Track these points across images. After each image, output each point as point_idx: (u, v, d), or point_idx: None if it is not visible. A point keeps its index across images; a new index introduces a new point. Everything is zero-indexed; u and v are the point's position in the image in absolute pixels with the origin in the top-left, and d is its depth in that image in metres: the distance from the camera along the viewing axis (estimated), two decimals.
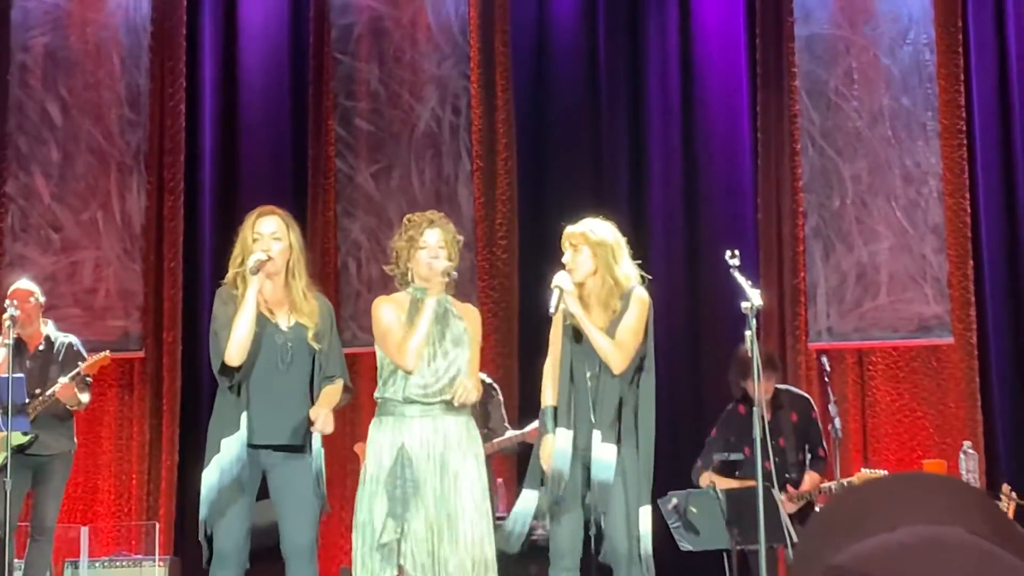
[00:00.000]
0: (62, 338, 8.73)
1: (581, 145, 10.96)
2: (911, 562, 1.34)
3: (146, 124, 10.72)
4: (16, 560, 8.26)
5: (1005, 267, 10.84)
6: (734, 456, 8.27)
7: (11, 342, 8.05)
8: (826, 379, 8.79)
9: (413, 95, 10.86)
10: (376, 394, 6.48)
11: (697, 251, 10.73)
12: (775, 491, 7.60)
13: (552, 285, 6.48)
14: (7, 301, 8.20)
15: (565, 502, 6.44)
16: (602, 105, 10.96)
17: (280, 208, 6.48)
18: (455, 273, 6.47)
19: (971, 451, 8.76)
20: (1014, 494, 8.75)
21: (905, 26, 10.86)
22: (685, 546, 7.96)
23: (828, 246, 10.71)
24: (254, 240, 6.27)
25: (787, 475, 8.42)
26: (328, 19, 10.89)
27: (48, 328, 8.72)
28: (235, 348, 6.10)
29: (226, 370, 6.13)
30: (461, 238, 6.65)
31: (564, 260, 6.60)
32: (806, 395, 8.89)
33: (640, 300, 6.53)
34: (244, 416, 6.12)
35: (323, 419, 6.22)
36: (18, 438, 8.13)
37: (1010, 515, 8.37)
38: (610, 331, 6.47)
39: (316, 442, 6.26)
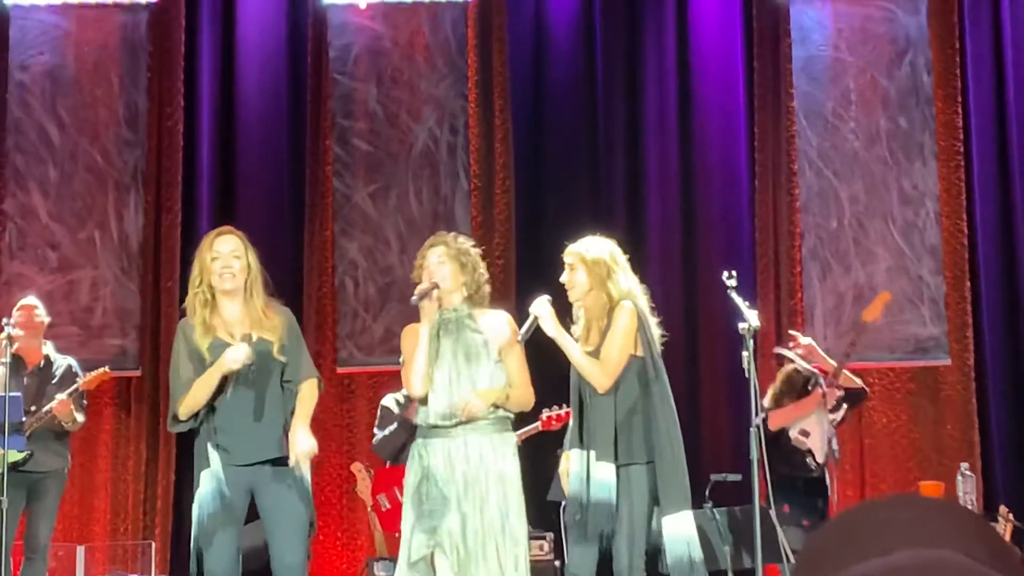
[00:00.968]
0: (61, 359, 8.73)
1: (578, 165, 10.96)
2: None
3: (144, 143, 10.73)
4: None
5: (1002, 289, 10.85)
6: (731, 478, 8.25)
7: (8, 360, 8.05)
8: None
9: (411, 115, 10.87)
10: (414, 419, 6.58)
11: (694, 272, 10.73)
12: (772, 512, 7.59)
13: (529, 310, 6.51)
14: (4, 319, 8.20)
15: (581, 524, 6.46)
16: (600, 126, 10.97)
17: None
18: (434, 291, 6.43)
19: (968, 473, 8.75)
20: (1011, 516, 8.75)
21: (902, 48, 10.88)
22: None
23: (825, 267, 10.71)
24: (213, 259, 6.28)
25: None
26: (326, 39, 10.90)
27: (48, 348, 8.73)
28: (186, 409, 6.17)
29: (177, 423, 6.18)
30: (474, 249, 6.64)
31: (563, 279, 6.64)
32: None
33: (623, 312, 6.54)
34: (210, 447, 6.14)
35: (304, 441, 6.22)
36: (13, 455, 8.12)
37: (1007, 537, 8.36)
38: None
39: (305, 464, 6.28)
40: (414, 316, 6.57)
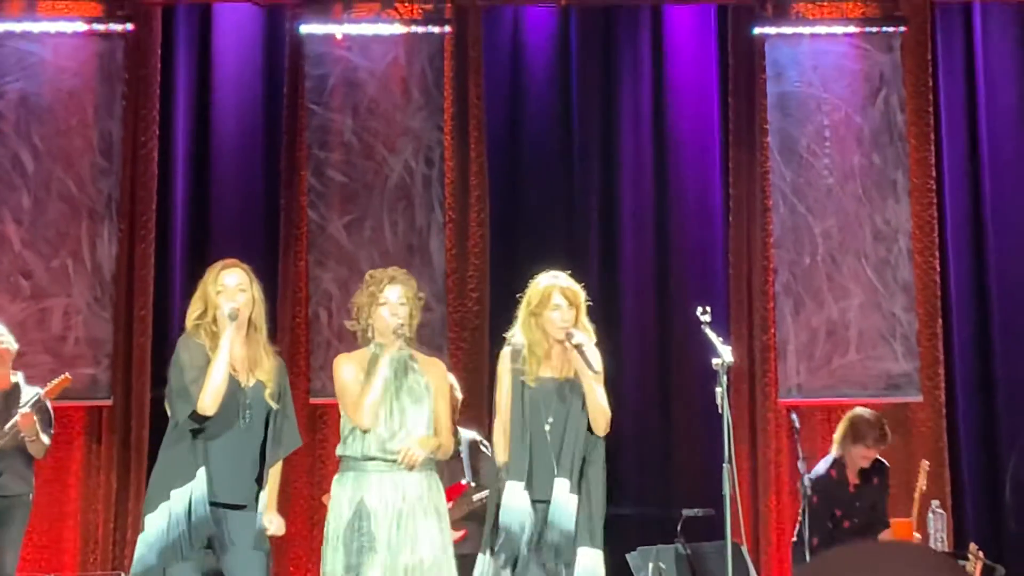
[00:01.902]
0: (29, 389, 8.71)
1: (553, 199, 10.98)
2: None
3: (118, 172, 10.70)
4: None
5: (974, 326, 10.89)
6: (703, 513, 8.25)
7: None
8: (796, 436, 8.79)
9: (386, 146, 10.87)
10: (338, 451, 6.57)
11: (668, 306, 10.75)
12: (743, 548, 7.59)
13: (575, 342, 6.52)
14: None
15: (524, 557, 6.44)
16: (575, 160, 10.99)
17: (244, 262, 6.50)
18: (405, 330, 6.49)
19: (939, 511, 8.77)
20: (981, 553, 8.77)
21: (876, 85, 10.93)
22: None
23: (798, 303, 10.74)
24: (218, 292, 6.28)
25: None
26: (302, 69, 10.90)
27: (18, 377, 8.69)
28: (211, 397, 6.11)
29: (197, 417, 6.12)
30: (423, 295, 6.72)
31: (562, 316, 6.61)
32: (886, 462, 8.89)
33: (600, 362, 6.62)
34: (202, 471, 6.09)
35: (276, 525, 6.37)
36: None
37: (977, 575, 8.38)
38: (575, 387, 6.52)
39: (262, 500, 6.26)
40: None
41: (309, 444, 10.53)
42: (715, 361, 6.74)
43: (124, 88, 10.79)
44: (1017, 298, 10.91)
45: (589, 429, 6.55)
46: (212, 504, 6.13)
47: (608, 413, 6.57)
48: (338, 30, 10.89)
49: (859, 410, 8.78)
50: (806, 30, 11.00)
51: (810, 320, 10.71)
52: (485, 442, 8.65)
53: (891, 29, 11.00)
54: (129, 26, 10.78)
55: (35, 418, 8.32)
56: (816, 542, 8.51)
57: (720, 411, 6.69)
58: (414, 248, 10.69)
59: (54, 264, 10.60)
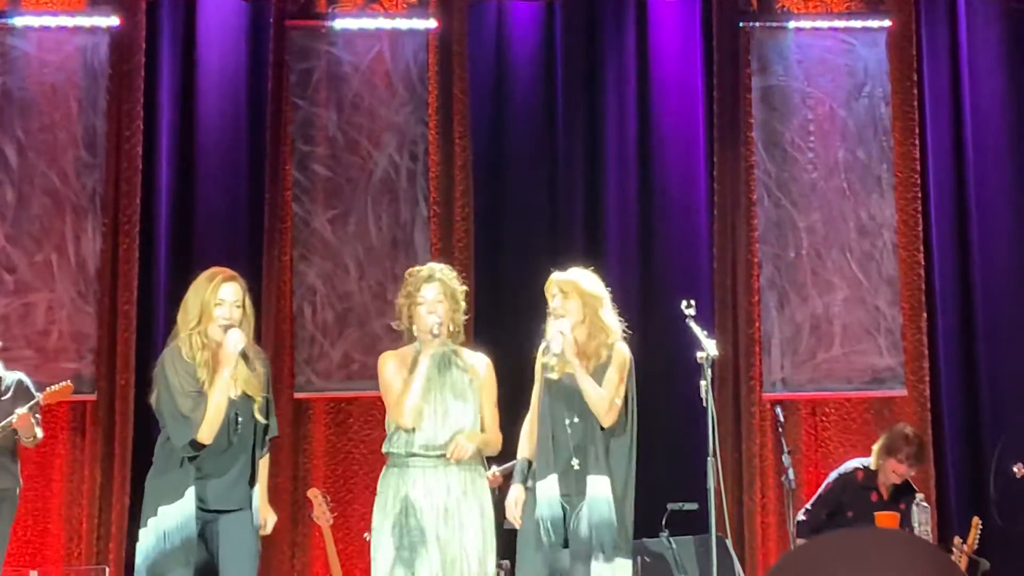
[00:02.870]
0: (10, 376, 8.70)
1: (538, 193, 10.97)
2: None
3: (102, 166, 10.66)
4: None
5: (958, 320, 10.91)
6: (688, 507, 8.26)
7: None
8: (780, 429, 8.81)
9: (371, 141, 10.85)
10: (384, 448, 6.58)
11: (653, 300, 10.74)
12: (728, 541, 7.60)
13: (557, 331, 6.53)
14: None
15: (546, 549, 6.48)
16: (559, 154, 10.98)
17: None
18: (442, 329, 6.48)
19: (924, 504, 8.77)
20: (965, 547, 8.79)
21: (861, 79, 10.94)
22: None
23: (783, 297, 10.75)
24: (217, 305, 6.26)
25: None
26: (287, 64, 10.88)
27: None
28: (210, 429, 6.13)
29: (196, 445, 6.12)
30: (464, 287, 6.67)
31: (555, 306, 6.63)
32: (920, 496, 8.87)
33: (621, 356, 6.61)
34: (191, 491, 6.10)
35: (270, 524, 6.47)
36: None
37: (962, 568, 8.40)
38: (595, 379, 6.53)
39: (255, 498, 6.27)
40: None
41: (292, 440, 10.52)
42: (699, 355, 6.76)
43: (108, 82, 10.76)
44: (1001, 292, 10.93)
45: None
46: (206, 511, 6.15)
47: (603, 402, 6.54)
48: (323, 24, 10.87)
49: (902, 424, 8.81)
50: (791, 24, 11.01)
51: (794, 314, 10.72)
52: None
53: (876, 23, 11.02)
54: (113, 20, 10.75)
55: (31, 420, 8.34)
56: (804, 519, 8.56)
57: (704, 404, 6.72)
58: (398, 242, 10.68)
59: (38, 259, 10.57)
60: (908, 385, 10.65)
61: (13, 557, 9.48)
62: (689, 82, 11.12)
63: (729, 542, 7.97)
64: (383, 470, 6.59)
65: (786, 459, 8.51)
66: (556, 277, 6.72)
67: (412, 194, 10.79)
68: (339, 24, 10.90)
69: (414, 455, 6.43)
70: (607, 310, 6.69)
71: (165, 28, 11.00)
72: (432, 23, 10.91)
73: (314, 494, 9.42)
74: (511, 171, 11.06)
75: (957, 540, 8.95)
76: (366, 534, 9.30)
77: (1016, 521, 9.96)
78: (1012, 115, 11.17)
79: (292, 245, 10.72)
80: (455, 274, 6.73)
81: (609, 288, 6.85)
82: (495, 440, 6.66)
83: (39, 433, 8.49)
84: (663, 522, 8.36)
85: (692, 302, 6.93)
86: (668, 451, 10.26)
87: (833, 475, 8.57)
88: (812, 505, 8.77)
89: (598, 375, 6.57)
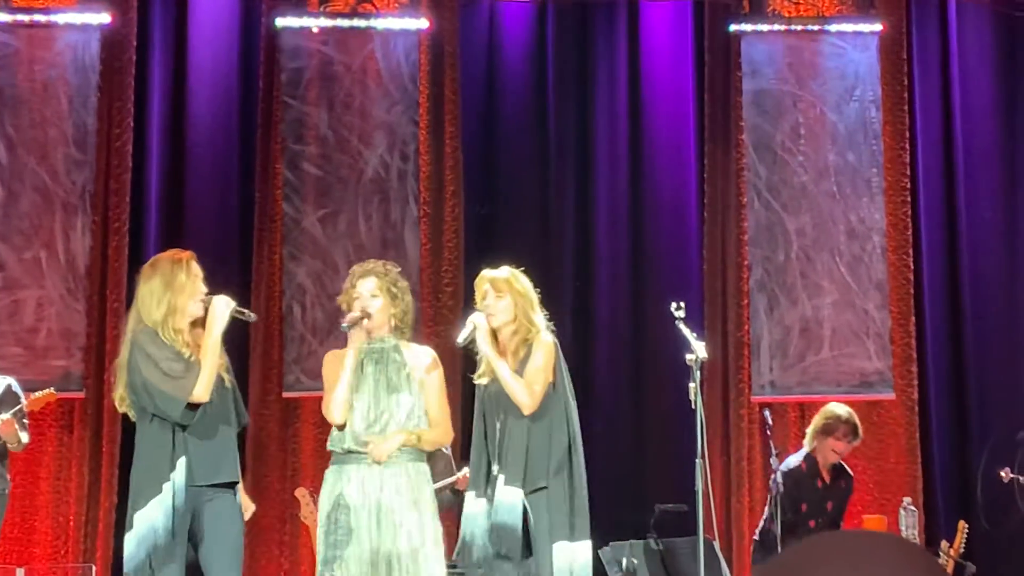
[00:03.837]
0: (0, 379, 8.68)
1: (528, 193, 10.99)
2: None
3: (92, 164, 10.65)
4: None
5: (947, 324, 10.93)
6: (677, 508, 8.26)
7: None
8: (768, 432, 8.81)
9: (362, 140, 10.85)
10: (328, 446, 6.55)
11: (642, 302, 10.75)
12: (716, 544, 7.60)
13: (470, 321, 6.55)
14: None
15: (487, 565, 6.46)
16: (550, 155, 10.99)
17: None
18: (365, 323, 6.47)
19: (911, 507, 8.80)
20: (952, 551, 8.80)
21: (852, 83, 10.96)
22: None
23: (772, 300, 10.76)
24: (193, 281, 6.29)
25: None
26: (278, 63, 10.88)
27: None
28: (207, 384, 6.11)
29: (193, 406, 6.11)
30: (404, 281, 6.64)
31: (487, 303, 6.62)
32: (851, 471, 8.91)
33: (545, 344, 6.56)
34: (183, 461, 6.08)
35: (248, 506, 6.44)
36: None
37: (949, 572, 8.41)
38: (519, 373, 6.52)
39: (238, 494, 6.30)
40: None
41: (281, 438, 10.52)
42: (689, 357, 6.77)
43: (99, 80, 10.75)
44: (990, 297, 10.96)
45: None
46: (197, 487, 6.13)
47: (517, 391, 6.48)
48: (314, 23, 10.87)
49: (832, 405, 8.81)
50: (782, 27, 11.03)
51: (784, 317, 10.74)
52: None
53: (867, 27, 11.03)
54: (104, 17, 10.74)
55: (15, 426, 8.33)
56: (779, 530, 8.55)
57: (693, 407, 6.72)
58: (389, 242, 10.68)
59: (27, 256, 10.56)
60: (896, 389, 10.67)
61: (0, 555, 9.47)
62: (680, 84, 11.14)
63: (717, 544, 7.98)
64: (327, 470, 6.57)
65: (774, 462, 8.52)
66: (488, 274, 6.70)
67: (403, 194, 10.80)
68: (330, 23, 10.90)
69: (350, 452, 6.40)
70: (536, 311, 6.67)
71: (156, 26, 10.99)
72: (424, 23, 10.91)
73: (302, 493, 9.41)
74: (502, 171, 11.07)
75: (944, 544, 8.96)
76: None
77: (1002, 525, 9.98)
78: (1002, 120, 11.20)
79: (282, 244, 10.72)
80: (398, 270, 6.70)
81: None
82: (442, 434, 6.61)
83: (24, 438, 8.46)
84: (651, 524, 8.36)
85: (682, 304, 6.93)
86: (657, 453, 10.27)
87: (778, 478, 8.49)
88: (774, 516, 8.73)
89: (520, 368, 6.56)
